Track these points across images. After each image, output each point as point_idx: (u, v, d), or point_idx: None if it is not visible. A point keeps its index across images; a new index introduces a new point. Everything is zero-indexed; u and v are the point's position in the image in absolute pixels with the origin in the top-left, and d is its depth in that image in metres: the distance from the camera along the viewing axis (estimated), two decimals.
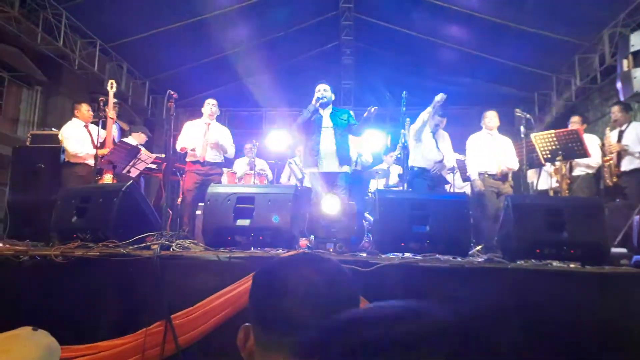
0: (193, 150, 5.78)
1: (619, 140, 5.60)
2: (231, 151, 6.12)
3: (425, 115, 5.33)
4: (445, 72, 9.96)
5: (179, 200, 6.18)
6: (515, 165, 5.72)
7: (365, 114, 4.85)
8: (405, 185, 5.13)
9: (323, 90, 5.06)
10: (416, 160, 5.50)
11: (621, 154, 5.51)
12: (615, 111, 5.76)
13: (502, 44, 8.21)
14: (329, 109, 5.08)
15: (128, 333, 2.80)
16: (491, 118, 5.92)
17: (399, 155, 5.29)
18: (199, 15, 7.71)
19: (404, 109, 4.85)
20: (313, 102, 4.98)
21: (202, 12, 7.69)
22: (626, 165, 5.47)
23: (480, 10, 7.52)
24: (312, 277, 0.87)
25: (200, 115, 6.13)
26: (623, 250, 3.47)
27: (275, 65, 9.69)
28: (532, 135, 5.29)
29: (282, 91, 9.72)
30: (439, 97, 5.13)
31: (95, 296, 2.97)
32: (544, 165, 5.61)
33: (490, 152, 5.73)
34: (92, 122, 5.89)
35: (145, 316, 2.82)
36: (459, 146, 6.31)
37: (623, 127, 5.66)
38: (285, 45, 9.26)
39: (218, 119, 6.27)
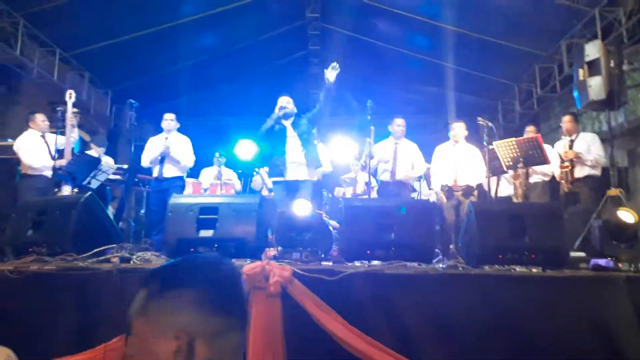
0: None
1: (570, 148, 5.77)
2: (187, 162, 6.10)
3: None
4: (410, 81, 10.12)
5: (142, 211, 6.06)
6: (475, 180, 5.79)
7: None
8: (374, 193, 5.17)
9: (286, 102, 5.08)
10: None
11: (574, 161, 5.68)
12: (567, 121, 5.95)
13: (466, 53, 8.40)
14: (291, 120, 5.10)
15: (87, 349, 2.69)
16: (456, 130, 6.00)
17: (363, 164, 5.33)
18: (163, 24, 7.61)
19: (369, 117, 4.90)
20: (276, 110, 4.98)
21: (166, 21, 7.59)
22: (578, 172, 5.66)
23: (445, 21, 7.68)
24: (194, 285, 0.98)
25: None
26: (582, 254, 3.56)
27: (242, 74, 9.64)
28: (494, 143, 5.40)
29: (250, 100, 9.67)
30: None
31: (52, 311, 2.85)
32: (506, 172, 5.73)
33: (450, 164, 5.83)
34: (50, 132, 5.71)
35: (104, 331, 2.72)
36: (424, 155, 6.39)
37: (573, 137, 5.86)
38: (252, 54, 9.23)
39: (183, 128, 6.24)
